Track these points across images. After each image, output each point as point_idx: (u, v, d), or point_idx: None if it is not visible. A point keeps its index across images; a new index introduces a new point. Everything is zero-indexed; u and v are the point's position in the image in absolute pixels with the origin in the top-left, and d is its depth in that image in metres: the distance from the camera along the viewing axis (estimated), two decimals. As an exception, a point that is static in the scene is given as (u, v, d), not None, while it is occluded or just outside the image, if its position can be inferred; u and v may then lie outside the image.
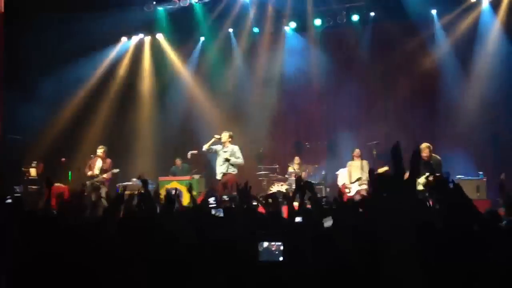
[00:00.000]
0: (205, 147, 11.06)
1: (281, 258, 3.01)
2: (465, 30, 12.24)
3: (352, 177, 11.22)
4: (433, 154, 9.71)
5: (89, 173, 11.96)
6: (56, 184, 12.49)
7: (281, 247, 3.00)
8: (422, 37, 12.57)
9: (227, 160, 10.63)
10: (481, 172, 10.71)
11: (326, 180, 12.19)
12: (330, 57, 13.39)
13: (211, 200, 6.46)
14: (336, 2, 13.05)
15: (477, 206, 3.42)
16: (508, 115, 11.79)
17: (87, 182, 11.84)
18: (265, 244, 3.00)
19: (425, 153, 9.63)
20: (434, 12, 12.57)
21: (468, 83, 12.15)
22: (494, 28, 11.99)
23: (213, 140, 10.96)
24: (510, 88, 11.79)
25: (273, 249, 3.01)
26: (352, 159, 11.40)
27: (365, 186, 10.88)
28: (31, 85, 13.30)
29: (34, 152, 13.41)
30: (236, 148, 10.88)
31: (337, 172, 11.56)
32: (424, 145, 9.76)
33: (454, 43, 12.34)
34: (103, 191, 11.46)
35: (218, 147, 11.05)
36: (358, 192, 10.92)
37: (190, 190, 7.03)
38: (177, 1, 13.56)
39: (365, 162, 11.22)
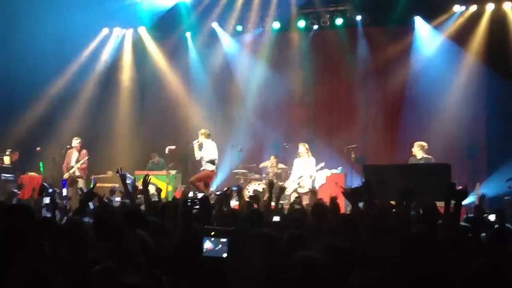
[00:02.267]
0: (197, 156, 11.02)
1: (225, 255, 3.01)
2: (447, 37, 12.39)
3: (294, 175, 11.00)
4: (425, 154, 9.98)
5: (64, 165, 11.82)
6: (30, 173, 12.40)
7: (226, 244, 2.99)
8: (405, 43, 12.69)
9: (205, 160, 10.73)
10: (456, 181, 10.87)
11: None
12: (312, 59, 13.43)
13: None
14: (320, 5, 13.09)
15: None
16: (485, 125, 11.99)
17: (65, 175, 11.70)
18: (211, 239, 2.98)
19: (413, 152, 9.98)
20: (417, 18, 12.69)
21: (448, 91, 12.31)
22: (475, 36, 12.16)
23: (197, 146, 10.98)
24: (488, 98, 12.01)
25: (219, 245, 3.00)
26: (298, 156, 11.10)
27: (305, 188, 10.73)
28: (7, 71, 13.08)
29: (9, 139, 13.21)
30: (209, 144, 10.91)
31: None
32: (415, 144, 10.06)
33: (436, 50, 12.49)
34: (80, 183, 11.39)
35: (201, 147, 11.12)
36: (295, 190, 10.74)
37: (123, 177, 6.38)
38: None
39: (311, 160, 10.99)
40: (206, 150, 10.90)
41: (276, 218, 5.20)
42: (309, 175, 10.83)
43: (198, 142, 10.97)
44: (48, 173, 12.09)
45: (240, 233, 3.30)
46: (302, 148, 11.02)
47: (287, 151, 12.40)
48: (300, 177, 10.85)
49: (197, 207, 4.64)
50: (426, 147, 10.24)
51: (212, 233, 2.94)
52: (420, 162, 10.03)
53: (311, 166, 10.91)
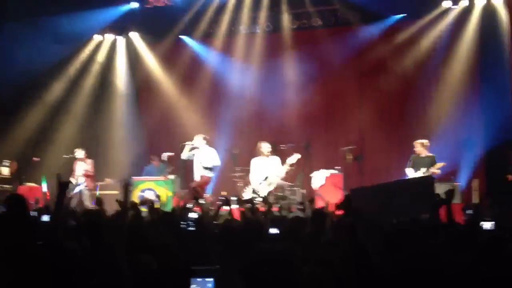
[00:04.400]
0: (184, 156, 11.10)
1: None
2: (438, 35, 12.43)
3: (258, 177, 10.70)
4: (427, 152, 10.09)
5: (73, 180, 11.78)
6: (29, 184, 12.43)
7: (213, 284, 2.98)
8: (396, 42, 12.71)
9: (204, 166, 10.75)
10: (453, 177, 10.99)
11: (302, 182, 12.26)
12: (304, 59, 13.45)
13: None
14: (310, 5, 13.10)
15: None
16: (479, 120, 12.05)
17: (71, 185, 11.70)
18: (198, 279, 2.97)
19: (416, 148, 10.10)
20: (405, 16, 12.73)
21: (441, 87, 12.37)
22: (466, 34, 12.20)
23: (188, 147, 11.02)
24: (483, 93, 12.06)
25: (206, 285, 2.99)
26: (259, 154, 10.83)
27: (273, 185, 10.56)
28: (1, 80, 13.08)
29: (6, 150, 13.22)
30: (210, 151, 10.97)
31: (311, 175, 11.63)
32: (416, 142, 10.19)
33: (427, 48, 12.52)
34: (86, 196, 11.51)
35: (194, 151, 11.14)
36: (269, 194, 10.48)
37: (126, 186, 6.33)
38: (151, 0, 13.47)
39: (274, 158, 10.80)
40: (207, 155, 10.95)
41: (274, 230, 5.23)
42: (278, 174, 10.59)
43: (192, 145, 11.02)
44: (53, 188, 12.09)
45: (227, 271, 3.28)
46: (267, 147, 10.85)
47: (283, 152, 12.43)
48: (265, 178, 10.64)
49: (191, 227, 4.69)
50: (427, 144, 10.36)
51: (199, 273, 2.96)
52: (425, 160, 10.14)
53: (277, 164, 10.72)
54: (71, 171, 11.93)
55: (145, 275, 2.99)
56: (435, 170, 10.09)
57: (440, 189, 10.21)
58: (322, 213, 5.72)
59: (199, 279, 2.94)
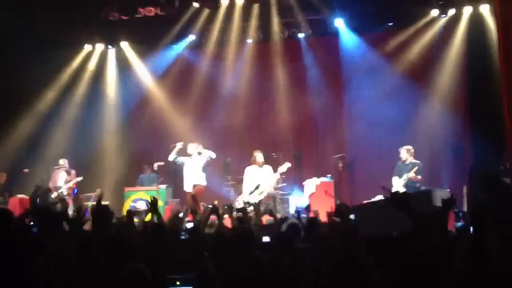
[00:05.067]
0: (171, 157, 11.14)
1: None
2: (426, 44, 12.54)
3: (251, 186, 10.76)
4: (412, 159, 10.16)
5: (51, 185, 11.84)
6: (19, 196, 12.34)
7: None
8: (384, 50, 12.79)
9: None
10: (444, 185, 11.05)
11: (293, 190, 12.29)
12: (294, 68, 13.51)
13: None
14: (300, 13, 13.15)
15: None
16: (471, 128, 12.14)
17: (52, 195, 11.70)
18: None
19: (401, 155, 10.17)
20: (393, 25, 12.83)
21: (430, 95, 12.46)
22: (455, 42, 12.32)
23: (177, 148, 11.05)
24: (472, 101, 12.16)
25: None
26: (253, 164, 10.94)
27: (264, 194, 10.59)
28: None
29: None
30: (202, 156, 11.01)
31: (303, 183, 11.67)
32: (402, 148, 10.25)
33: (415, 56, 12.61)
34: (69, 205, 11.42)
35: (185, 159, 11.14)
36: (259, 203, 10.48)
37: (154, 204, 6.63)
38: (142, 10, 13.45)
39: (267, 168, 10.89)
40: (200, 160, 10.98)
41: (266, 239, 5.24)
42: (270, 183, 10.68)
43: (181, 146, 11.06)
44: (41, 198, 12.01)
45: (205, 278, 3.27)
46: (261, 157, 10.91)
47: (274, 161, 12.46)
48: (257, 187, 10.68)
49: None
50: (412, 150, 10.46)
51: (178, 283, 2.94)
52: (408, 166, 10.22)
53: (270, 173, 10.79)
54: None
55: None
56: (411, 174, 10.16)
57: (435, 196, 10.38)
58: (315, 222, 5.74)
59: (178, 288, 2.92)
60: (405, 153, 10.45)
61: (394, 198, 3.86)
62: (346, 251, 3.86)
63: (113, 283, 3.35)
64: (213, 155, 11.12)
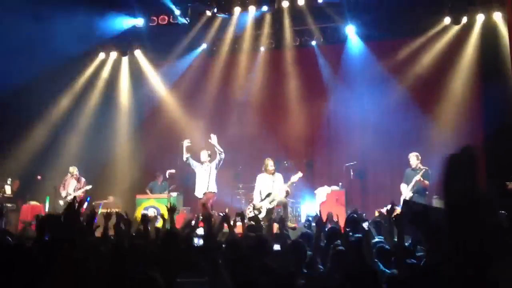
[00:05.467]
0: (184, 157, 11.14)
1: None
2: (439, 52, 12.49)
3: (262, 194, 10.68)
4: (421, 165, 10.14)
5: (63, 193, 11.92)
6: (32, 203, 12.43)
7: None
8: (397, 58, 12.76)
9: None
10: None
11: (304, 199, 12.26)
12: (307, 76, 13.51)
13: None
14: (313, 21, 13.18)
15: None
16: (484, 135, 12.06)
17: (60, 202, 11.77)
18: None
19: (411, 162, 10.17)
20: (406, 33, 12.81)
21: (442, 103, 12.40)
22: (468, 50, 12.28)
23: (185, 146, 11.08)
24: (485, 108, 12.10)
25: None
26: (264, 172, 10.81)
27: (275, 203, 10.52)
28: (5, 99, 13.13)
29: (9, 168, 13.23)
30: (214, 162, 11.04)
31: (315, 191, 11.64)
32: (411, 154, 10.24)
33: (428, 64, 12.57)
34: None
35: (197, 164, 11.15)
36: (270, 211, 10.45)
37: (172, 210, 6.83)
38: (156, 19, 13.56)
39: (278, 176, 10.80)
40: (213, 162, 11.04)
41: (276, 247, 5.21)
42: (281, 191, 10.56)
43: (188, 143, 11.09)
44: (51, 205, 12.10)
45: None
46: (272, 164, 10.84)
47: (286, 169, 12.44)
48: (268, 195, 10.63)
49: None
50: (420, 157, 10.42)
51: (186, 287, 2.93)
52: (417, 172, 10.18)
53: (281, 182, 10.73)
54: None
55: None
56: (418, 177, 10.18)
57: (440, 205, 10.32)
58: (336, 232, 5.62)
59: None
60: (415, 160, 10.45)
61: (414, 216, 3.83)
62: (359, 260, 3.84)
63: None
64: (222, 155, 11.08)
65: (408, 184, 10.37)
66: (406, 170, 10.59)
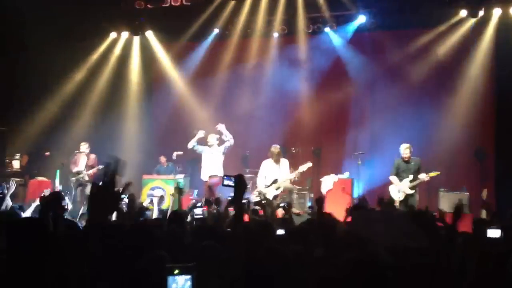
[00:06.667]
0: (190, 145, 11.18)
1: None
2: (453, 44, 12.37)
3: (268, 180, 10.72)
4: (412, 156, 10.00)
5: (75, 169, 11.97)
6: (40, 178, 12.52)
7: (191, 280, 2.92)
8: (411, 50, 12.64)
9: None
10: (464, 186, 10.92)
11: (311, 186, 12.26)
12: (317, 63, 13.43)
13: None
14: (326, 9, 13.08)
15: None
16: (495, 130, 11.98)
17: (73, 178, 11.83)
18: (176, 277, 2.90)
19: (405, 154, 9.93)
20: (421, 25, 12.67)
21: (456, 96, 12.31)
22: (483, 43, 12.15)
23: (198, 137, 11.08)
24: (498, 103, 12.01)
25: (182, 283, 2.91)
26: (271, 158, 10.84)
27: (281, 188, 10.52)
28: (16, 76, 13.18)
29: (18, 144, 13.32)
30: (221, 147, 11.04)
31: (321, 179, 11.62)
32: (404, 146, 10.02)
33: (443, 56, 12.46)
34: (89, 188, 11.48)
35: (204, 148, 11.16)
36: (275, 197, 10.51)
37: (180, 191, 6.95)
38: (168, 0, 13.50)
39: (284, 162, 10.82)
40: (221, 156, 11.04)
41: (280, 231, 5.21)
42: (285, 179, 10.62)
43: (203, 135, 11.09)
44: (63, 181, 12.16)
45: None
46: (278, 151, 10.84)
47: (294, 156, 12.45)
48: (274, 181, 10.66)
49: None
50: (412, 148, 10.18)
51: (176, 271, 2.92)
52: (412, 165, 9.98)
53: (286, 168, 10.77)
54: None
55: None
56: (426, 178, 9.90)
57: (450, 198, 10.27)
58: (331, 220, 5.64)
59: (177, 277, 2.91)
60: (408, 152, 10.07)
61: (420, 218, 3.82)
62: (364, 248, 3.82)
63: (135, 270, 3.42)
64: (232, 141, 11.09)
65: (403, 177, 10.10)
66: (396, 160, 10.20)
